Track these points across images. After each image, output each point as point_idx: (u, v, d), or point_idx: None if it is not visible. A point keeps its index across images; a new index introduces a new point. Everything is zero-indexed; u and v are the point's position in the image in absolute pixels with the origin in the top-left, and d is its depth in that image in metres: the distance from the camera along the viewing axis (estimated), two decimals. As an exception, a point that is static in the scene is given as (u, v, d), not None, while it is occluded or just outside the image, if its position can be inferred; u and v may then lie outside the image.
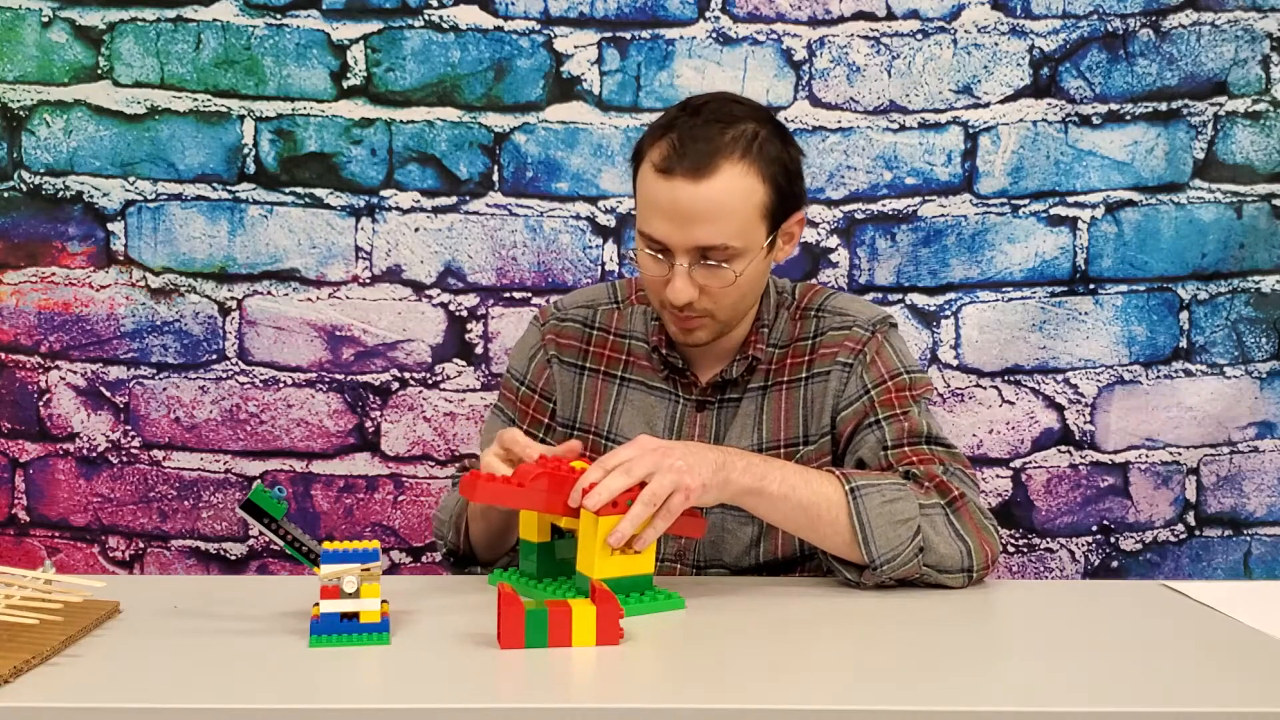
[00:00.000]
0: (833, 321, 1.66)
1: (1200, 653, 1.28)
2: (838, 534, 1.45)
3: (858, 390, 1.61)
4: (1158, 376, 2.23)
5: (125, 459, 2.19)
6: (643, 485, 1.34)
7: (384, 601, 1.25)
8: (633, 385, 1.69)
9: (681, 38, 2.17)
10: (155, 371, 2.19)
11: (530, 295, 2.18)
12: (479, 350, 2.19)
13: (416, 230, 2.19)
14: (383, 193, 2.18)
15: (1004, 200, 2.20)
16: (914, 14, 2.17)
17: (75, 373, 2.18)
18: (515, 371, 1.75)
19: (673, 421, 1.66)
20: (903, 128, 2.19)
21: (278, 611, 1.32)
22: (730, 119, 1.54)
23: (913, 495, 1.48)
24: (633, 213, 1.65)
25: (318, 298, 2.19)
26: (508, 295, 2.20)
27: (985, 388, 2.22)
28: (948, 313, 2.21)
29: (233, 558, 2.22)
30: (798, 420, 1.64)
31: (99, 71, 2.16)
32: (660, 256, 1.55)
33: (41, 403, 2.18)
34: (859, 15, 2.17)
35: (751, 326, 1.66)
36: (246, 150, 2.17)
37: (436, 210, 2.19)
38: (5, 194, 2.16)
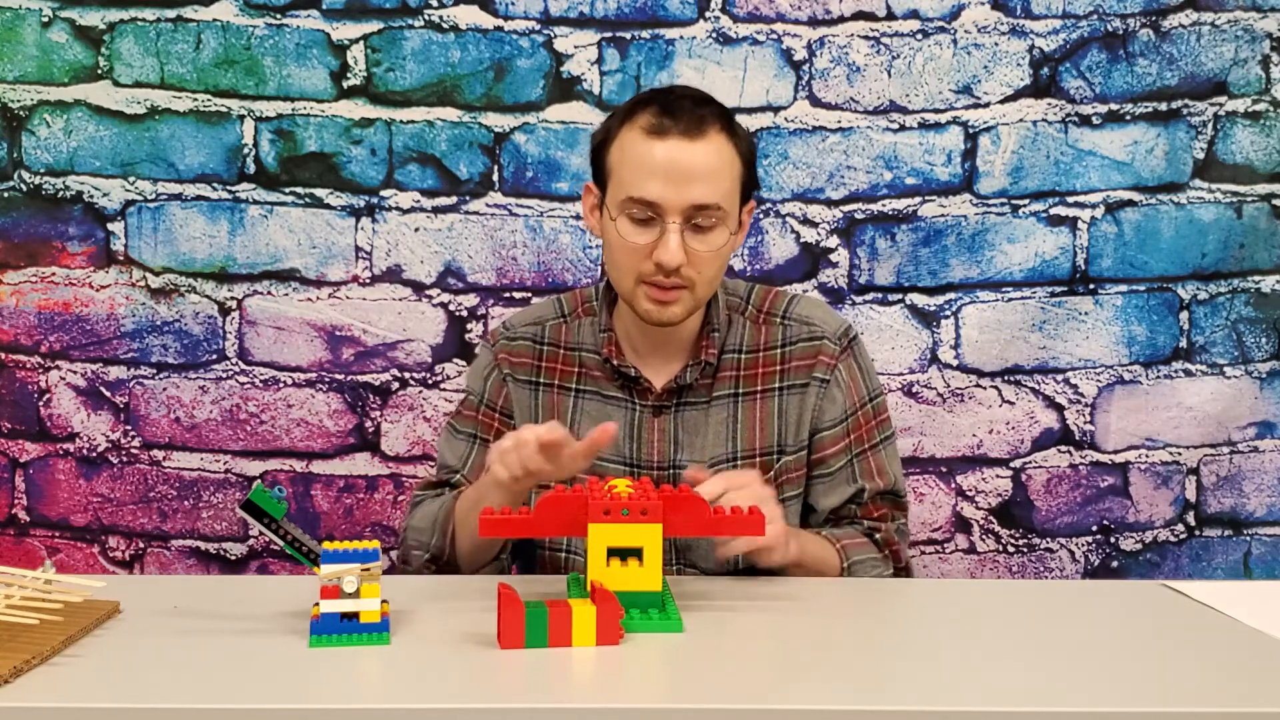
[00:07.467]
0: (801, 331, 1.68)
1: (1200, 653, 1.28)
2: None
3: (835, 415, 1.67)
4: (1158, 376, 2.23)
5: (125, 459, 2.19)
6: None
7: (384, 601, 1.25)
8: (588, 396, 1.69)
9: (681, 38, 2.17)
10: (155, 371, 2.19)
11: (530, 295, 2.18)
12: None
13: (416, 230, 2.19)
14: (383, 193, 2.18)
15: (1004, 200, 2.20)
16: (914, 14, 2.17)
17: (75, 373, 2.18)
18: (473, 391, 1.75)
19: (631, 428, 1.66)
20: (903, 128, 2.19)
21: (278, 611, 1.32)
22: (703, 98, 1.59)
23: (881, 563, 1.66)
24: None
25: (318, 298, 2.19)
26: (508, 295, 2.20)
27: (985, 388, 2.22)
28: (948, 313, 2.21)
29: (233, 558, 2.22)
30: (773, 430, 1.66)
31: (99, 71, 2.16)
32: (648, 222, 1.55)
33: (41, 403, 2.18)
34: (859, 15, 2.17)
35: (701, 330, 1.66)
36: (246, 150, 2.17)
37: (436, 210, 2.19)
38: (5, 194, 2.16)
